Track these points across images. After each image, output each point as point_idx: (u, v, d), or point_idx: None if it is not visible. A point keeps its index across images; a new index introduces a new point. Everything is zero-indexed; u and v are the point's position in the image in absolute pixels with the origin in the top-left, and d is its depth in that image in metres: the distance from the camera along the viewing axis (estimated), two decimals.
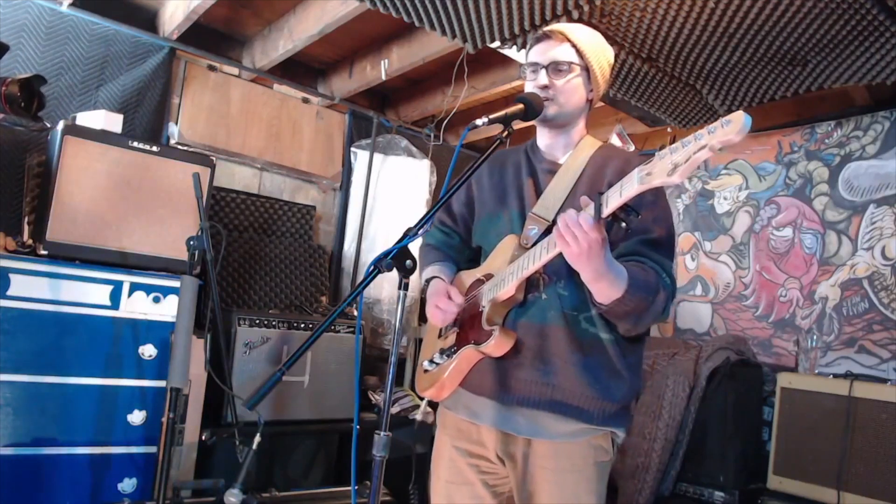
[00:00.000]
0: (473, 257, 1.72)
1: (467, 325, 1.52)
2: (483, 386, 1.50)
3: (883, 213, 3.03)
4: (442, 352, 1.55)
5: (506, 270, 1.44)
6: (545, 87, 1.50)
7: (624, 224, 1.18)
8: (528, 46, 1.59)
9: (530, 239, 1.48)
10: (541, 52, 1.53)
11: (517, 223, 1.54)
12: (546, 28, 1.56)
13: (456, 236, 1.75)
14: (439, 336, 1.63)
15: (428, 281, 1.66)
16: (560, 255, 1.27)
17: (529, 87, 1.54)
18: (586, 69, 1.53)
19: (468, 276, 1.63)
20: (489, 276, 1.53)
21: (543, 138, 1.62)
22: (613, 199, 1.17)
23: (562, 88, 1.50)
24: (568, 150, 1.58)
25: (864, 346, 3.00)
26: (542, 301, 1.46)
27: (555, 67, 1.50)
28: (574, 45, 1.51)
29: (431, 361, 1.57)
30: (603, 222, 1.19)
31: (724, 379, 2.88)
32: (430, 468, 1.66)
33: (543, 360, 1.44)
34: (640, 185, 1.11)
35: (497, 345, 1.42)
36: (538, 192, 1.55)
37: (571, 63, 1.50)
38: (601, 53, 1.55)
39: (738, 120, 0.99)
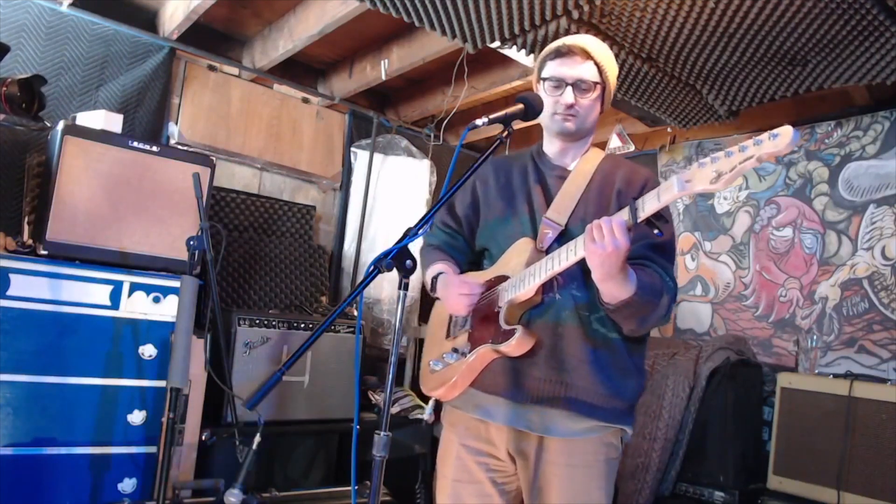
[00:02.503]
0: (475, 260, 1.73)
1: (481, 325, 1.53)
2: (496, 385, 1.51)
3: (883, 213, 3.03)
4: (455, 350, 1.55)
5: (525, 272, 1.46)
6: (571, 106, 1.54)
7: (656, 230, 1.24)
8: (544, 57, 1.60)
9: (546, 242, 1.51)
10: (565, 69, 1.55)
11: (528, 226, 1.57)
12: (566, 42, 1.56)
13: (460, 238, 1.75)
14: (447, 336, 1.63)
15: (435, 278, 1.64)
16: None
17: (549, 102, 1.55)
18: (604, 87, 1.58)
19: (476, 279, 1.63)
20: (501, 278, 1.54)
21: (553, 146, 1.65)
22: (651, 204, 1.21)
23: (586, 107, 1.56)
24: (576, 159, 1.63)
25: (864, 346, 3.00)
26: (556, 302, 1.49)
27: (580, 86, 1.54)
28: (597, 65, 1.55)
29: (440, 361, 1.58)
30: (634, 227, 1.24)
31: (724, 379, 2.88)
32: (435, 467, 1.66)
33: (558, 358, 1.47)
34: (680, 191, 1.16)
35: (519, 344, 1.43)
36: (547, 197, 1.59)
37: (596, 83, 1.55)
38: (615, 71, 1.61)
39: (787, 134, 1.03)
